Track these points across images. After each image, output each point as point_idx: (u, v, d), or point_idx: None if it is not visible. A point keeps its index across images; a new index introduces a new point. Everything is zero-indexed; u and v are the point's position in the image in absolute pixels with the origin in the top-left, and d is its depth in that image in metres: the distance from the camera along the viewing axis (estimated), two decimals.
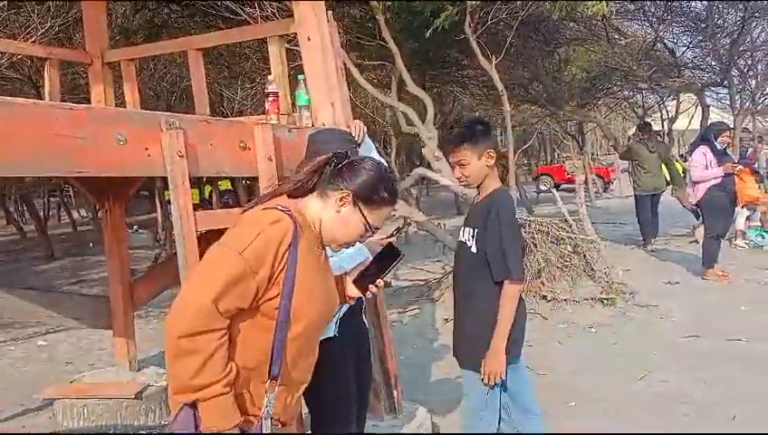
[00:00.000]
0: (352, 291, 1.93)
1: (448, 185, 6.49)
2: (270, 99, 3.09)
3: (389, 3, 7.10)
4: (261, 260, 1.60)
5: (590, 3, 6.60)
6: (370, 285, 1.92)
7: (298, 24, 3.22)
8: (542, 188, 22.92)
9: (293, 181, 1.81)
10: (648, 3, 8.60)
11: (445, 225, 12.54)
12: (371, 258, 1.99)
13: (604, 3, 6.52)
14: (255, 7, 6.34)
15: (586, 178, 20.43)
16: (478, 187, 2.76)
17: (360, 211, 1.77)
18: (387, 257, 1.96)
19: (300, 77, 3.22)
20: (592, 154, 27.75)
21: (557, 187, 22.84)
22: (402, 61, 7.55)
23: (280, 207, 1.69)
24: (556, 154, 31.33)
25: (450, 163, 2.72)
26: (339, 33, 8.23)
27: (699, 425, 3.84)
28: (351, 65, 7.00)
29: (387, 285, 8.33)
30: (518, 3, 7.03)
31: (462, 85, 12.45)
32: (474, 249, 2.69)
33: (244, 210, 1.81)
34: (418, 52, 9.07)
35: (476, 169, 2.67)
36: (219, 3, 6.66)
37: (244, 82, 11.06)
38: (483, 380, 2.62)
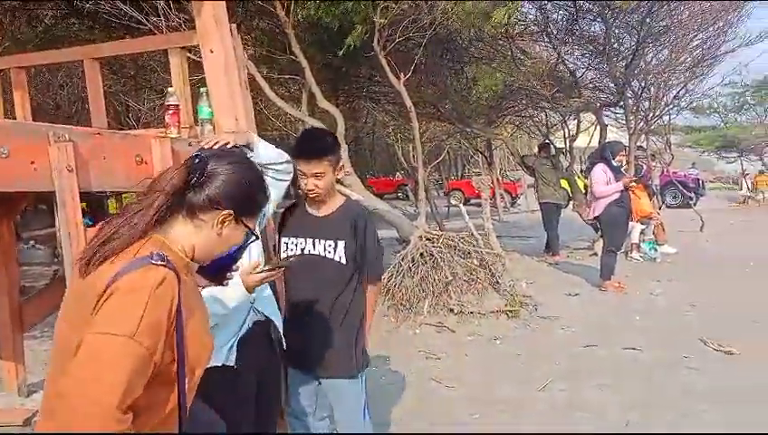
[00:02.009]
0: (203, 281, 1.78)
1: (359, 200, 6.50)
2: (170, 111, 3.00)
3: (299, 17, 7.08)
4: (156, 335, 1.37)
5: (495, 13, 6.82)
6: (228, 273, 1.79)
7: (200, 36, 3.16)
8: (453, 202, 23.43)
9: (152, 209, 1.51)
10: (551, 25, 8.99)
11: None
12: None
13: (501, 14, 6.73)
14: (161, 18, 6.17)
15: (494, 194, 21.10)
16: (317, 199, 2.78)
17: (243, 223, 1.65)
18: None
19: (202, 90, 3.15)
20: (501, 170, 28.63)
21: (467, 201, 23.48)
22: (313, 75, 7.54)
23: (157, 257, 1.43)
24: (467, 169, 32.09)
25: (302, 173, 2.68)
26: (248, 45, 8.20)
27: (595, 432, 4.00)
28: (260, 78, 6.93)
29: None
30: (425, 21, 7.18)
31: (374, 101, 12.57)
32: (343, 261, 2.75)
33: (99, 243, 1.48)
34: (330, 67, 9.10)
35: (329, 182, 2.73)
36: (123, 13, 6.43)
37: (150, 93, 10.73)
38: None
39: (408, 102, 7.46)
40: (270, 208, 2.68)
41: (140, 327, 1.33)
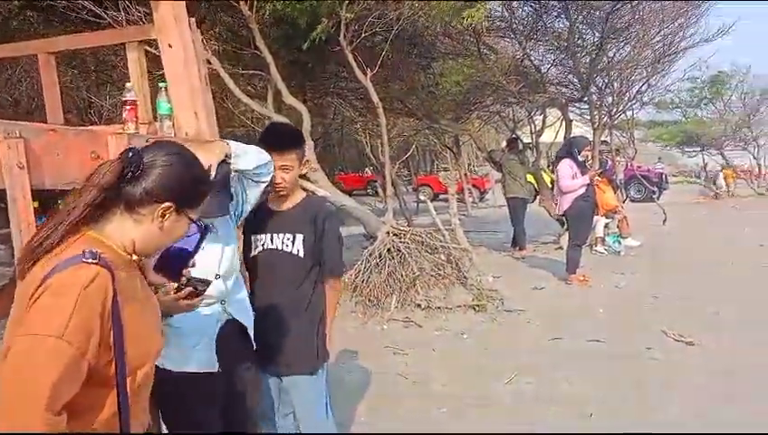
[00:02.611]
0: (157, 279, 1.74)
1: (325, 196, 6.48)
2: (127, 107, 2.94)
3: (264, 13, 7.01)
4: (87, 335, 1.32)
5: (466, 12, 6.84)
6: (184, 270, 1.75)
7: (158, 30, 3.09)
8: (422, 198, 23.50)
9: (83, 206, 1.47)
10: (516, 21, 9.05)
11: None
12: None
13: (480, 12, 6.75)
14: (120, 11, 6.05)
15: (462, 189, 21.22)
16: (282, 193, 2.78)
17: (186, 215, 1.60)
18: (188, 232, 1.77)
19: (161, 85, 3.09)
20: (469, 165, 28.78)
21: (436, 197, 23.57)
22: (279, 71, 7.47)
23: (88, 255, 1.38)
24: (435, 165, 32.21)
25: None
26: (213, 41, 8.08)
27: (561, 423, 4.05)
28: (225, 74, 6.85)
29: None
30: (392, 17, 7.16)
31: (342, 97, 12.50)
32: (301, 255, 2.74)
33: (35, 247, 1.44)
34: (296, 62, 9.02)
35: (294, 176, 2.74)
36: (82, 6, 6.29)
37: (112, 89, 10.52)
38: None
39: (376, 98, 7.44)
40: (247, 208, 2.62)
41: (69, 327, 1.29)
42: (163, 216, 1.54)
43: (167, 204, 1.53)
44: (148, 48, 3.58)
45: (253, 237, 2.82)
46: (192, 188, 1.60)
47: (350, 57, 7.19)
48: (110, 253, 1.47)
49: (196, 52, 3.15)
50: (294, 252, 2.73)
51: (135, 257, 1.58)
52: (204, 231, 1.74)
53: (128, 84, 3.08)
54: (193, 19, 3.18)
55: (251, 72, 8.15)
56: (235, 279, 2.56)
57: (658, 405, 4.34)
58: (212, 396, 2.41)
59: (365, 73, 7.29)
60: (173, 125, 3.07)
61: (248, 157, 2.42)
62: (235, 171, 2.39)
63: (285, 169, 2.69)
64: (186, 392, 2.36)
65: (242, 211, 2.60)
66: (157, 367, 1.65)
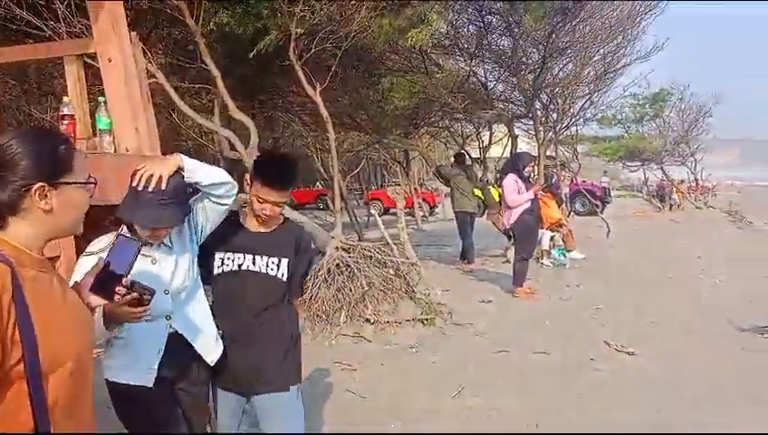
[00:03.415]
0: (94, 300, 1.70)
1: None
2: (65, 121, 2.88)
3: (210, 26, 6.95)
4: None
5: (410, 33, 6.94)
6: (118, 288, 1.72)
7: (98, 43, 3.04)
8: (373, 212, 23.56)
9: None
10: (462, 39, 9.21)
11: None
12: (103, 257, 1.76)
13: (423, 34, 6.85)
14: (61, 23, 5.90)
15: (412, 203, 21.36)
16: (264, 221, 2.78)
17: (66, 183, 1.50)
18: (122, 252, 1.75)
19: (101, 99, 3.03)
20: (419, 179, 29.01)
21: (387, 211, 23.68)
22: (227, 85, 7.41)
23: None
24: (386, 179, 32.36)
25: (261, 199, 2.63)
26: (159, 54, 7.96)
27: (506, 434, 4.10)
28: (170, 88, 6.75)
29: None
30: (341, 34, 7.19)
31: (291, 111, 12.47)
32: (284, 278, 2.76)
33: None
34: (244, 77, 8.96)
35: (280, 211, 2.74)
36: (20, 17, 6.10)
37: (55, 102, 10.23)
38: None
39: (325, 113, 7.44)
40: (208, 229, 2.58)
41: None
42: (41, 197, 1.46)
43: (37, 185, 1.45)
44: (90, 61, 3.50)
45: (227, 255, 2.75)
46: (49, 157, 1.49)
47: (300, 72, 7.18)
48: (15, 252, 1.43)
49: (137, 66, 3.11)
50: (279, 275, 2.75)
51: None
52: (138, 249, 1.73)
53: (65, 98, 3.02)
54: (134, 33, 3.14)
55: (198, 86, 8.06)
56: (190, 295, 2.53)
57: (602, 415, 4.44)
58: (148, 411, 2.41)
59: (314, 88, 7.29)
60: (113, 140, 3.01)
61: (203, 172, 2.40)
62: (190, 184, 2.37)
63: (279, 205, 2.69)
64: (125, 404, 2.41)
65: (201, 231, 2.57)
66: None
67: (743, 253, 13.00)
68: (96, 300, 1.71)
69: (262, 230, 2.77)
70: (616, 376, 5.24)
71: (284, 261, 2.75)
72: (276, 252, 2.75)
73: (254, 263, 2.73)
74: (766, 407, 4.60)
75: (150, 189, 2.23)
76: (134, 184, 2.25)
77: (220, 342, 2.65)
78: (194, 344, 2.52)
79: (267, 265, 2.74)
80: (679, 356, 5.79)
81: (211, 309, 2.68)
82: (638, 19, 9.79)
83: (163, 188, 2.24)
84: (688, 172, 25.38)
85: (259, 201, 2.64)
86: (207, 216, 2.54)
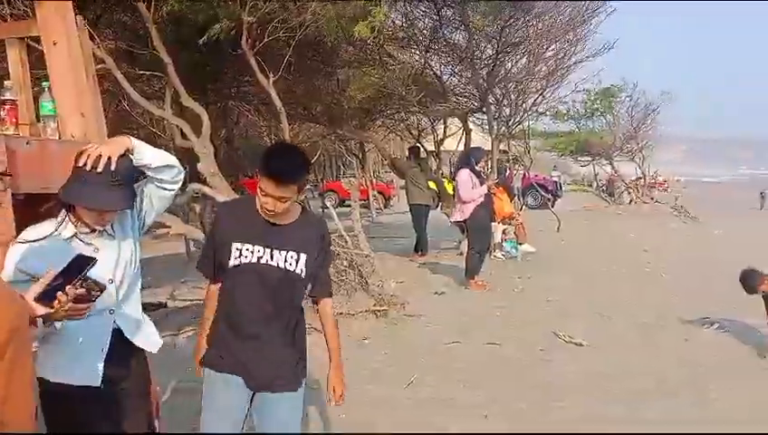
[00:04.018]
0: (37, 309, 1.67)
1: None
2: (6, 107, 2.76)
3: (162, 12, 6.80)
4: None
5: (357, 27, 6.92)
6: (58, 294, 1.69)
7: (41, 26, 2.92)
8: (328, 204, 23.50)
9: None
10: (417, 32, 9.24)
11: None
12: (57, 271, 1.73)
13: (370, 27, 6.84)
14: (4, 4, 5.68)
15: (367, 195, 21.40)
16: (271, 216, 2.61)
17: None
18: (76, 267, 1.75)
19: (44, 84, 2.93)
20: (375, 171, 29.05)
21: (342, 202, 23.61)
22: (180, 73, 7.26)
23: None
24: (342, 171, 32.30)
25: (264, 192, 2.47)
26: (108, 39, 7.74)
27: (455, 425, 4.15)
28: (119, 75, 6.58)
29: (161, 305, 7.92)
30: (295, 23, 7.12)
31: (246, 101, 12.32)
32: (303, 274, 2.60)
33: None
34: (197, 65, 8.79)
35: (287, 205, 2.52)
36: None
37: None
38: (329, 399, 2.85)
39: (278, 103, 7.37)
40: (152, 217, 2.48)
41: None
42: None
43: None
44: (33, 44, 3.38)
45: (242, 246, 2.58)
46: None
47: (252, 61, 7.09)
48: None
49: (83, 50, 3.01)
50: (298, 271, 2.58)
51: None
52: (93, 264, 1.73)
53: (6, 83, 2.90)
54: (80, 17, 3.04)
55: (148, 72, 7.87)
56: (131, 288, 2.44)
57: (550, 405, 4.54)
58: (91, 412, 2.26)
59: (267, 78, 7.21)
60: (57, 127, 2.92)
61: (152, 154, 2.31)
62: (139, 167, 2.28)
63: (282, 201, 2.48)
64: (62, 406, 2.23)
65: (144, 219, 2.46)
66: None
67: (687, 247, 13.44)
68: (42, 309, 1.68)
69: (281, 222, 2.59)
70: (565, 366, 5.37)
71: (303, 257, 2.59)
72: (296, 246, 2.59)
73: (272, 257, 2.57)
74: (708, 399, 4.78)
75: (99, 170, 2.11)
76: (80, 164, 2.12)
77: (157, 336, 2.56)
78: (133, 340, 2.42)
79: (286, 260, 2.58)
80: (626, 348, 5.95)
81: (219, 302, 2.66)
82: (588, 17, 10.00)
83: (113, 169, 2.13)
84: (636, 168, 26.05)
85: (262, 194, 2.49)
86: (152, 202, 2.43)
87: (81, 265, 1.76)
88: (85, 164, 2.13)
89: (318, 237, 2.67)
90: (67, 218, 2.25)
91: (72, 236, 2.24)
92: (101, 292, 1.85)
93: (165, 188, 2.40)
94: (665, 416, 4.39)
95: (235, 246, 2.58)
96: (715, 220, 18.74)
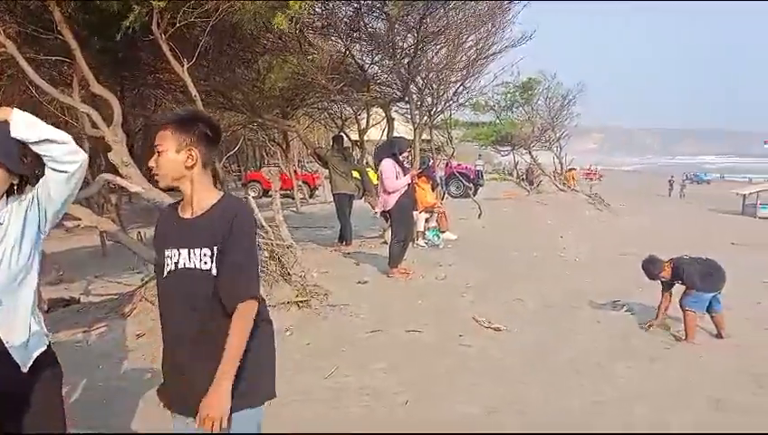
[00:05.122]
0: None
1: (138, 192, 6.13)
2: None
3: None
4: None
5: (275, 18, 6.81)
6: None
7: None
8: (252, 194, 23.18)
9: None
10: (338, 20, 9.16)
11: (145, 234, 11.95)
12: None
13: (282, 18, 6.74)
14: None
15: (292, 185, 21.19)
16: (180, 195, 2.35)
17: None
18: None
19: None
20: (299, 161, 28.80)
21: (266, 193, 23.34)
22: (91, 59, 6.92)
23: None
24: (266, 161, 31.84)
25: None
26: (9, 23, 7.29)
27: (375, 413, 4.19)
28: (22, 60, 6.22)
29: (74, 301, 7.60)
30: (210, 7, 6.92)
31: (163, 89, 11.91)
32: (215, 272, 2.22)
33: None
34: (109, 51, 8.41)
35: (169, 163, 2.25)
36: None
37: None
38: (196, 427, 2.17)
39: (193, 91, 7.14)
40: (52, 209, 2.29)
41: None
42: None
43: None
44: None
45: (166, 252, 2.29)
46: None
47: (166, 48, 6.85)
48: None
49: None
50: (210, 269, 2.22)
51: None
52: None
53: None
54: None
55: (54, 58, 7.47)
56: (15, 282, 2.23)
57: (468, 389, 4.64)
58: None
59: (182, 65, 6.98)
60: None
61: (33, 127, 2.16)
62: (16, 139, 2.15)
63: (157, 149, 2.26)
64: None
65: (45, 209, 2.28)
66: None
67: (601, 233, 14.03)
68: None
69: (193, 215, 2.29)
70: (483, 351, 5.50)
71: (214, 251, 2.22)
72: (207, 241, 2.22)
73: (189, 258, 2.24)
74: (617, 375, 5.02)
75: None
76: None
77: (42, 343, 2.33)
78: (8, 347, 2.20)
79: (201, 259, 2.23)
80: (541, 330, 6.16)
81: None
82: (506, 8, 10.20)
83: None
84: (554, 157, 26.88)
85: None
86: (50, 189, 2.25)
87: None
88: None
89: (222, 225, 2.22)
90: None
91: None
92: None
93: (57, 169, 2.21)
94: (579, 395, 4.58)
95: (166, 253, 2.30)
96: (627, 207, 19.65)
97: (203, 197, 2.29)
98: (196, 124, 2.29)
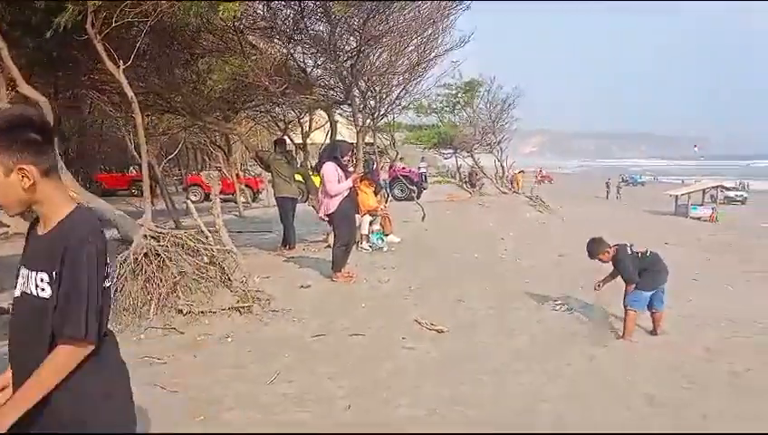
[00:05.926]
0: None
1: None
2: None
3: None
4: None
5: (221, 8, 6.71)
6: None
7: None
8: (193, 198, 22.71)
9: None
10: (279, 21, 9.07)
11: None
12: None
13: (233, 7, 6.65)
14: None
15: (234, 189, 20.88)
16: (33, 214, 2.06)
17: None
18: None
19: None
20: (242, 165, 28.40)
21: (207, 197, 22.87)
22: (22, 59, 6.66)
23: None
24: (208, 164, 31.26)
25: None
26: None
27: (318, 421, 4.15)
28: None
29: (3, 311, 7.28)
30: (148, 7, 6.75)
31: (99, 90, 11.55)
32: (55, 301, 1.94)
33: None
34: (41, 50, 8.10)
35: (4, 190, 1.93)
36: None
37: None
38: None
39: (130, 92, 6.94)
40: None
41: None
42: None
43: None
44: None
45: (18, 273, 2.05)
46: None
47: (100, 48, 6.65)
48: None
49: None
50: (45, 296, 1.94)
51: None
52: None
53: None
54: None
55: None
56: None
57: (410, 391, 4.65)
58: None
59: (117, 65, 6.78)
60: None
61: None
62: None
63: None
64: None
65: None
66: None
67: (541, 234, 14.33)
68: None
69: (45, 231, 2.02)
70: (425, 353, 5.53)
71: (55, 275, 1.93)
72: (44, 263, 1.95)
73: (27, 282, 1.99)
74: (557, 374, 5.13)
75: None
76: None
77: None
78: None
79: (36, 285, 1.96)
80: (482, 331, 6.24)
81: None
82: (446, 13, 10.31)
83: None
84: (495, 160, 27.34)
85: None
86: None
87: None
88: None
89: (63, 242, 1.92)
90: None
91: None
92: None
93: None
94: (521, 394, 4.66)
95: (20, 273, 2.05)
96: (566, 209, 20.14)
97: (52, 211, 2.00)
98: (15, 135, 1.90)
